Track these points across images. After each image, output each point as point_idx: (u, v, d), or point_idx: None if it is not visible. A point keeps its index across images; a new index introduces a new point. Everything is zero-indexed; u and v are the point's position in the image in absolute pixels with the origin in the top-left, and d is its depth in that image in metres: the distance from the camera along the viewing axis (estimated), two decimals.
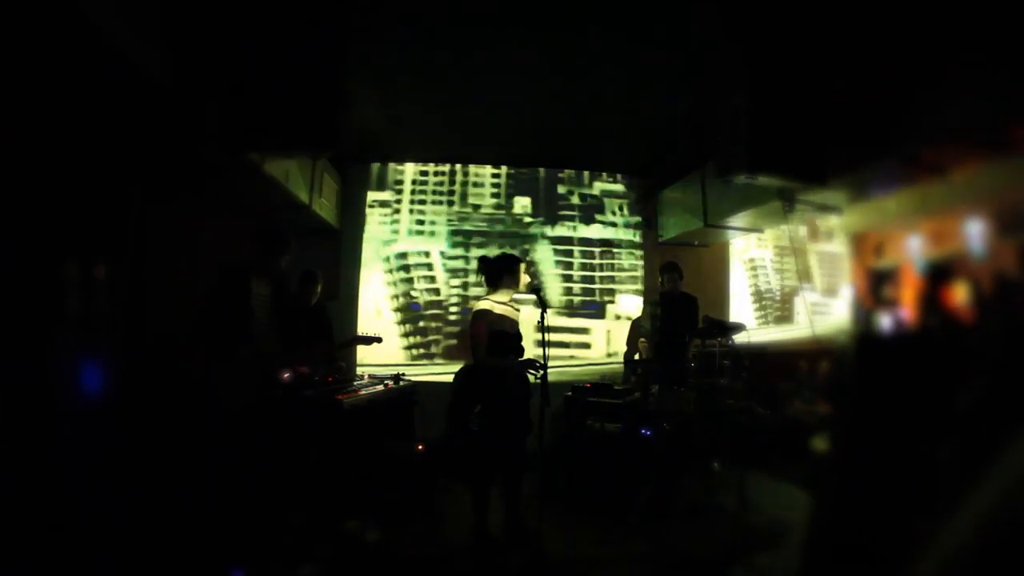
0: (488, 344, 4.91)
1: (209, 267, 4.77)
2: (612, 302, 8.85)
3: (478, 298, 5.16)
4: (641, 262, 8.90)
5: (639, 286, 8.85)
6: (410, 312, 8.29)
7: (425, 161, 8.62)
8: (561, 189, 8.91)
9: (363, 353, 7.71)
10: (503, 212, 8.76)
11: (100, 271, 3.48)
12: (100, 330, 3.35)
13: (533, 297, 4.93)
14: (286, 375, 4.81)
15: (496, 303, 5.05)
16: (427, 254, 8.54)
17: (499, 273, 5.09)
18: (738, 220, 7.12)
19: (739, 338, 5.97)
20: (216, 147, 4.19)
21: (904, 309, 2.63)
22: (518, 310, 5.22)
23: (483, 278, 5.19)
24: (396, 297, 8.39)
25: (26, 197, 3.63)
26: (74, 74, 3.45)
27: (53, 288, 3.31)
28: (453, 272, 8.59)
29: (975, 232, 2.29)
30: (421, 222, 8.71)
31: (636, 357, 7.34)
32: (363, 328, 7.93)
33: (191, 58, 3.89)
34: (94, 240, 4.25)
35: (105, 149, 4.36)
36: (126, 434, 3.91)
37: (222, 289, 4.48)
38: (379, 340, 5.33)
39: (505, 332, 5.00)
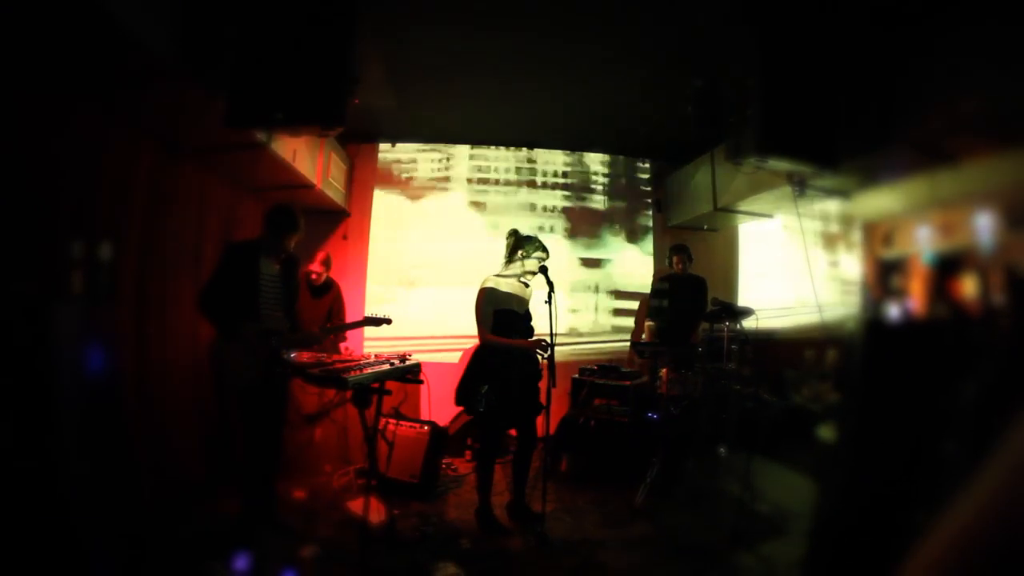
0: (494, 322, 4.91)
1: (216, 245, 4.76)
2: None
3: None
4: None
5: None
6: None
7: (435, 142, 8.57)
8: None
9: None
10: None
11: (106, 249, 3.47)
12: (106, 307, 3.35)
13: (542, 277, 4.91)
14: (294, 354, 4.81)
15: (504, 280, 5.03)
16: None
17: (517, 249, 5.07)
18: (748, 204, 7.06)
19: (747, 323, 5.95)
20: (223, 124, 4.16)
21: (912, 299, 2.61)
22: (528, 287, 5.20)
23: (507, 249, 5.17)
24: None
25: (31, 174, 3.62)
26: (81, 50, 3.43)
27: (58, 265, 3.32)
28: None
29: (985, 225, 2.25)
30: None
31: (643, 339, 7.32)
32: (370, 308, 7.93)
33: (198, 34, 3.86)
34: (100, 217, 4.25)
35: (112, 126, 4.35)
36: (130, 413, 3.93)
37: (228, 266, 4.48)
38: (388, 321, 5.32)
39: (512, 311, 4.99)
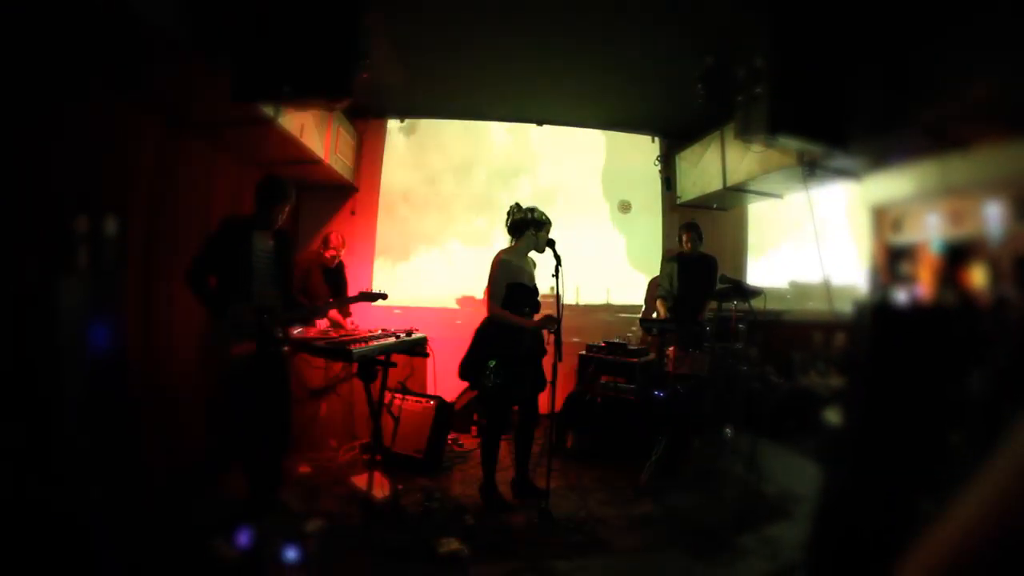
0: (507, 296, 4.91)
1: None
2: None
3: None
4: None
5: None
6: None
7: (444, 118, 8.54)
8: None
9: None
10: None
11: (112, 224, 3.47)
12: (111, 283, 3.35)
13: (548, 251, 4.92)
14: (297, 330, 4.80)
15: (516, 254, 5.03)
16: None
17: (526, 226, 5.05)
18: (758, 184, 7.00)
19: (756, 303, 5.92)
20: (229, 98, 4.13)
21: (920, 286, 2.58)
22: (534, 264, 5.21)
23: (508, 226, 5.15)
24: None
25: (36, 149, 3.61)
26: (86, 25, 3.40)
27: (63, 240, 3.32)
28: None
29: (994, 214, 2.22)
30: None
31: (653, 317, 7.31)
32: (378, 283, 7.94)
33: (203, 6, 3.82)
34: (106, 193, 4.24)
35: (117, 101, 4.33)
36: (135, 389, 3.93)
37: (220, 241, 4.40)
38: (384, 297, 5.31)
39: (524, 285, 5.00)
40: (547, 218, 5.05)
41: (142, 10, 3.24)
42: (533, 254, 5.16)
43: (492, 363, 4.85)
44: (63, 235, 3.33)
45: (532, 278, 5.13)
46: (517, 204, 5.16)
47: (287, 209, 4.57)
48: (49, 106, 3.70)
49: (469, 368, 5.03)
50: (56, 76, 3.73)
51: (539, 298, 5.17)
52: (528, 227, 5.02)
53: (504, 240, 5.19)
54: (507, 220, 5.14)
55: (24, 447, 2.52)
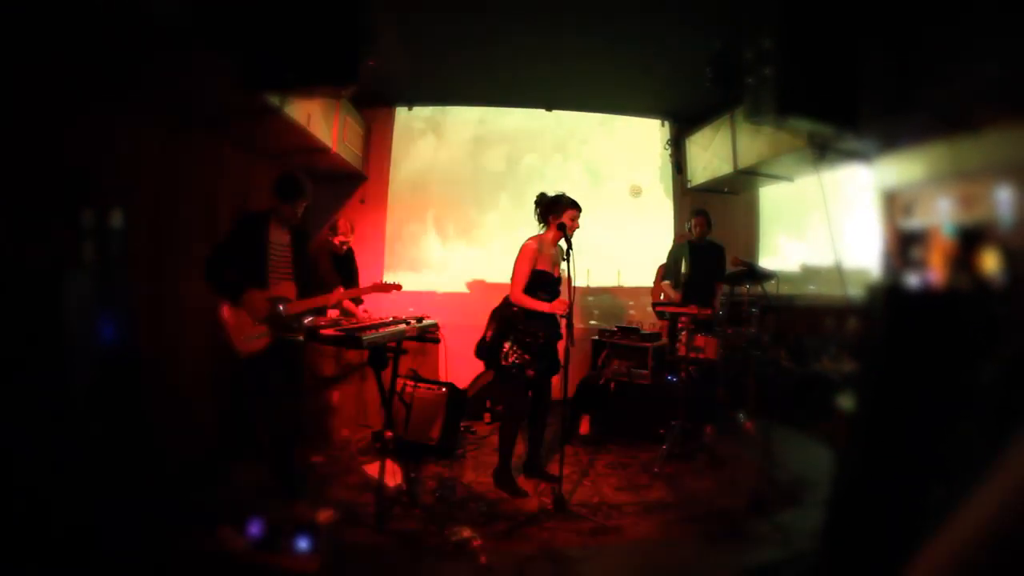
0: (529, 281, 4.93)
1: (231, 212, 4.74)
2: None
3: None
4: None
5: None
6: None
7: (453, 104, 8.53)
8: None
9: None
10: None
11: (118, 218, 3.47)
12: (117, 275, 3.35)
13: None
14: (309, 319, 4.82)
15: (545, 242, 5.04)
16: None
17: (550, 212, 5.05)
18: (769, 167, 6.95)
19: (768, 286, 5.88)
20: (233, 88, 4.12)
21: (932, 271, 2.55)
22: (561, 251, 5.19)
23: (537, 214, 5.16)
24: None
25: (41, 141, 3.61)
26: (90, 18, 3.39)
27: (69, 233, 3.32)
28: None
29: (1005, 199, 2.19)
30: None
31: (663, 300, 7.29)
32: (387, 273, 7.95)
33: None
34: (113, 187, 4.24)
35: (121, 91, 4.32)
36: (144, 382, 3.94)
37: (238, 234, 4.50)
38: (398, 288, 5.31)
39: (548, 272, 5.03)
40: (567, 200, 5.03)
41: (145, 0, 3.22)
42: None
43: (510, 345, 4.87)
44: (69, 229, 3.33)
45: (556, 266, 5.15)
46: (542, 194, 5.17)
47: (304, 205, 4.63)
48: (54, 99, 3.70)
49: (487, 349, 5.05)
50: (60, 69, 3.73)
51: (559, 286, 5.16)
52: (549, 213, 5.02)
53: (525, 228, 5.19)
54: (535, 209, 5.16)
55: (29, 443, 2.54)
